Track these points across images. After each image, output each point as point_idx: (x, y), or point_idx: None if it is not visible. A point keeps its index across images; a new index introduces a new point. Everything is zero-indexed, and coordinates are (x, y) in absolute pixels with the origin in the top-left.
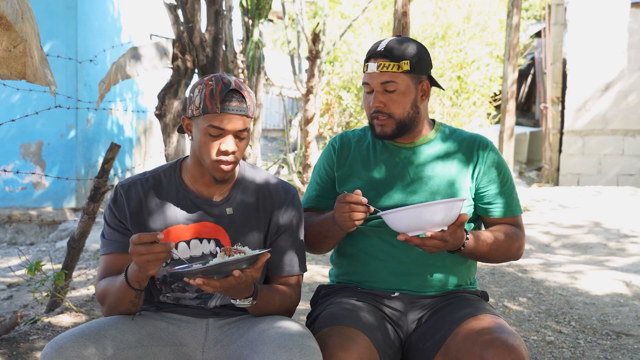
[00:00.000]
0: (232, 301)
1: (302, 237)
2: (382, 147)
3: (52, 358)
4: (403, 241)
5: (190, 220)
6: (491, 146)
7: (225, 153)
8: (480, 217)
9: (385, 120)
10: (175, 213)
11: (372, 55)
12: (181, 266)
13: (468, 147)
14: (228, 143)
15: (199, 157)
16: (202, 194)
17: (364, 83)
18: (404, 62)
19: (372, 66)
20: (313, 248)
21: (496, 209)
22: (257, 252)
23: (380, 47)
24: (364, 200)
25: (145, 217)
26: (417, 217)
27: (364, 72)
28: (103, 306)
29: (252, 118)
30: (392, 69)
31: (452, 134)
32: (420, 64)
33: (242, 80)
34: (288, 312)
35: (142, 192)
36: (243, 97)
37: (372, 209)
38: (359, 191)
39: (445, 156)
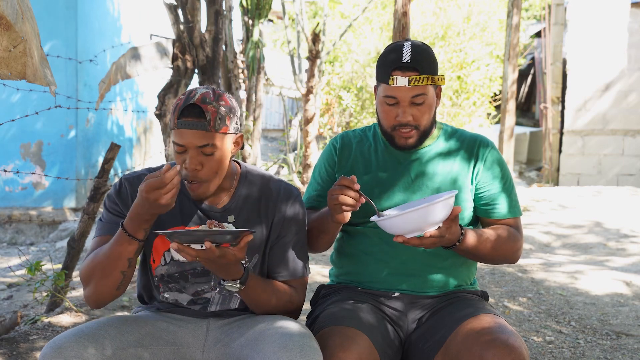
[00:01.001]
0: (221, 281)
1: (305, 240)
2: (384, 148)
3: (52, 358)
4: (401, 243)
5: (192, 222)
6: (492, 146)
7: (187, 169)
8: (479, 219)
9: (412, 132)
10: (177, 215)
11: (398, 67)
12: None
13: (469, 147)
14: (188, 159)
15: None
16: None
17: (388, 96)
18: (438, 77)
19: (402, 80)
20: (310, 245)
21: (495, 210)
22: (237, 229)
23: (406, 58)
24: (357, 185)
25: None
26: (413, 221)
27: (387, 84)
28: (89, 284)
29: (222, 133)
30: (422, 82)
31: (454, 134)
32: (438, 71)
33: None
34: (290, 314)
35: None
36: (202, 111)
37: (363, 199)
38: (354, 177)
39: (446, 156)
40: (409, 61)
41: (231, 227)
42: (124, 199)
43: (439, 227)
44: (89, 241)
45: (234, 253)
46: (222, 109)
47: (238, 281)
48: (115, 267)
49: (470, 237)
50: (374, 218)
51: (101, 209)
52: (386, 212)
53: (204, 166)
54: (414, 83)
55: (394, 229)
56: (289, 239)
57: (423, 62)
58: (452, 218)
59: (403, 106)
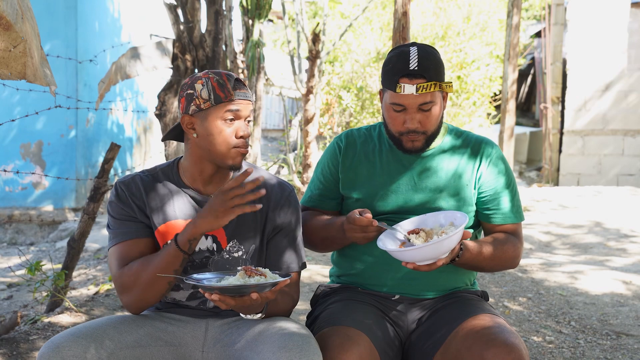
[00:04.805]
0: (242, 315)
1: (299, 234)
2: (388, 149)
3: (49, 358)
4: (411, 269)
5: (189, 216)
6: (497, 149)
7: (244, 136)
8: (480, 223)
9: (418, 136)
10: (173, 208)
11: (406, 74)
12: (199, 276)
13: (473, 150)
14: (244, 127)
15: (210, 151)
16: (200, 191)
17: (395, 104)
18: (446, 84)
19: (410, 88)
20: (318, 249)
21: (496, 215)
22: (278, 278)
23: (413, 66)
24: (375, 222)
25: (148, 210)
26: (430, 253)
27: (394, 91)
28: (129, 293)
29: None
30: (430, 90)
31: (459, 135)
32: (444, 75)
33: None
34: (289, 313)
35: (142, 187)
36: (245, 85)
37: (384, 228)
38: (369, 214)
39: (450, 158)
40: (416, 68)
41: (267, 272)
42: (124, 201)
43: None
44: (89, 241)
45: (266, 296)
46: None
47: (260, 313)
48: (162, 279)
49: (470, 251)
50: (387, 247)
51: (101, 210)
52: (401, 225)
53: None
54: (421, 91)
55: (408, 260)
56: (283, 235)
57: (430, 68)
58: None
59: (410, 113)
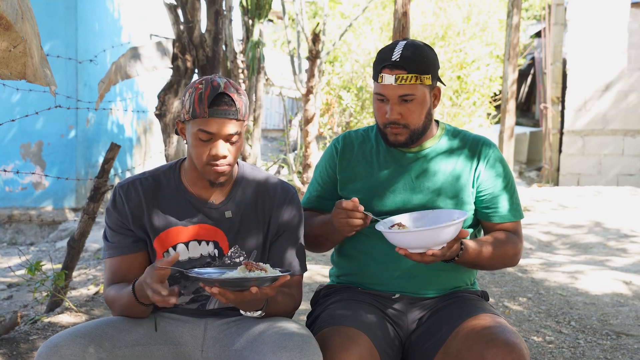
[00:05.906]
0: (242, 312)
1: (302, 237)
2: (385, 149)
3: (48, 357)
4: (402, 255)
5: (190, 221)
6: (494, 149)
7: (215, 157)
8: (480, 222)
9: (400, 129)
10: (174, 214)
11: (387, 65)
12: (201, 270)
13: (471, 148)
14: (218, 147)
15: (193, 161)
16: (201, 196)
17: (377, 94)
18: (425, 77)
19: (389, 78)
20: (313, 247)
21: (496, 214)
22: (278, 273)
23: (396, 57)
24: (361, 207)
25: (146, 216)
26: (421, 240)
27: (377, 81)
28: (113, 311)
29: (244, 121)
30: (410, 81)
31: (457, 135)
32: (434, 72)
33: (237, 82)
34: (290, 314)
35: (142, 191)
36: (232, 100)
37: (370, 217)
38: (355, 199)
39: (448, 157)
40: (398, 60)
41: (268, 267)
42: (120, 210)
43: (442, 247)
44: (89, 241)
45: (266, 292)
46: (244, 98)
47: (260, 311)
48: (133, 313)
49: (469, 251)
50: (380, 228)
51: (101, 210)
52: (392, 219)
53: (230, 154)
54: (400, 81)
55: (399, 243)
56: (286, 237)
57: (412, 61)
58: (456, 239)
59: (391, 104)
